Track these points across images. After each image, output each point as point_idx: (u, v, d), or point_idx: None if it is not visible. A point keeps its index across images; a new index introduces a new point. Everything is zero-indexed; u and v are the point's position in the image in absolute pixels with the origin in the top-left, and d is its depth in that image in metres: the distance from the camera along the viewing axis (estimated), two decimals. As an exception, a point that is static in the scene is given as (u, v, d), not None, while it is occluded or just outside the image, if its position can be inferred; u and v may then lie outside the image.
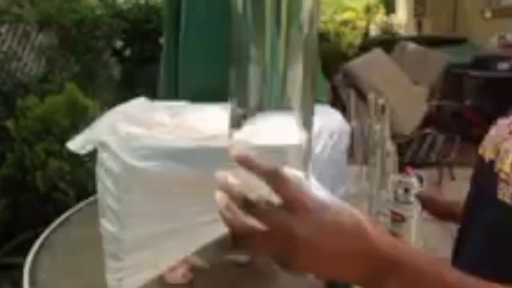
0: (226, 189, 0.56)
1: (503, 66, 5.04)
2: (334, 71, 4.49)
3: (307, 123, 0.59)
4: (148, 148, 1.04)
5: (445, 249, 0.86)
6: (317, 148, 1.12)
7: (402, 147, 3.18)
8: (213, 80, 1.75)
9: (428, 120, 4.13)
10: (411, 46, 4.95)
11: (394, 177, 1.26)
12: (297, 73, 0.58)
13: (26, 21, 3.85)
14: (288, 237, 0.53)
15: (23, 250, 1.50)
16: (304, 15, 0.57)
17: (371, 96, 1.57)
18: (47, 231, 1.61)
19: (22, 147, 2.97)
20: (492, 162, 0.69)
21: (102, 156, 1.09)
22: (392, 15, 7.41)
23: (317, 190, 0.57)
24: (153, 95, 1.70)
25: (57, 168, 2.87)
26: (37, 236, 1.58)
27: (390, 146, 1.44)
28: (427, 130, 4.06)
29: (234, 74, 0.60)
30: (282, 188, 0.54)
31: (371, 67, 4.01)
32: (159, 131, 1.10)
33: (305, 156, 0.59)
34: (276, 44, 0.57)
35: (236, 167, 0.56)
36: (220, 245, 1.05)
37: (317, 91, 0.62)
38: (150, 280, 1.10)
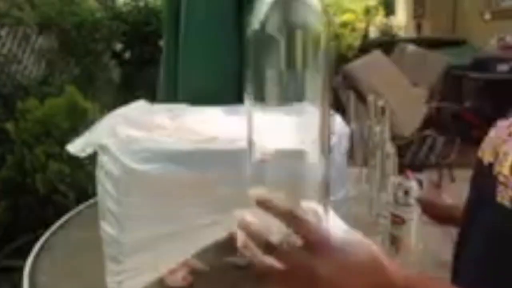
0: (244, 227, 0.58)
1: (503, 67, 5.04)
2: (333, 73, 4.48)
3: (324, 151, 0.60)
4: (148, 151, 1.04)
5: (445, 252, 0.86)
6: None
7: (402, 149, 3.18)
8: (213, 82, 1.76)
9: (427, 122, 4.12)
10: (411, 48, 4.95)
11: (394, 179, 1.27)
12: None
13: (26, 24, 3.85)
14: (310, 276, 0.55)
15: (23, 253, 1.50)
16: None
17: (370, 98, 1.56)
18: (47, 234, 1.61)
19: (22, 150, 2.97)
20: (491, 165, 0.69)
21: (102, 158, 1.09)
22: (391, 17, 7.41)
23: (334, 222, 0.59)
24: (152, 97, 1.71)
25: (57, 170, 2.87)
26: (37, 238, 1.58)
27: (390, 148, 1.44)
28: (427, 132, 4.06)
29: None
30: (302, 230, 0.56)
31: (370, 69, 4.01)
32: (158, 133, 1.10)
33: (324, 180, 0.60)
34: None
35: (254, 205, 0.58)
36: (220, 247, 1.05)
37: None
38: (150, 283, 1.10)
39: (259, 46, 0.58)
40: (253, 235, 0.57)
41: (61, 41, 4.16)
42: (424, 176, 1.19)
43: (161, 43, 2.23)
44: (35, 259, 1.44)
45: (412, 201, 1.13)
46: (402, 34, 7.18)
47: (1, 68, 3.68)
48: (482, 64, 5.13)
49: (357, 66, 4.09)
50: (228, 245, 1.06)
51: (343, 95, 4.03)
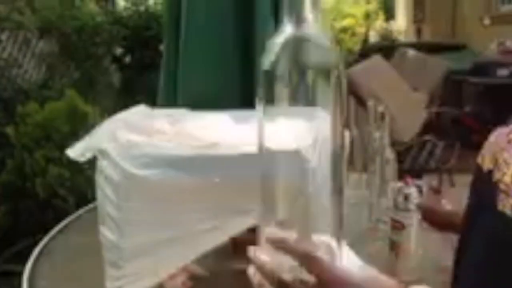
0: (259, 266, 0.59)
1: (503, 72, 5.05)
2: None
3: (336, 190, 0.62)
4: (148, 156, 1.04)
5: (446, 258, 0.86)
6: (314, 156, 1.12)
7: (401, 154, 3.18)
8: (213, 87, 1.76)
9: (427, 127, 4.12)
10: (411, 52, 4.95)
11: (394, 184, 1.27)
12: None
13: (27, 28, 3.86)
14: None
15: (23, 257, 1.50)
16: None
17: (370, 103, 1.56)
18: (46, 238, 1.60)
19: (22, 154, 2.97)
20: (490, 172, 0.69)
21: (102, 163, 1.08)
22: (391, 22, 7.43)
23: (349, 258, 0.60)
24: (153, 102, 1.71)
25: (57, 174, 2.87)
26: (36, 243, 1.57)
27: (389, 153, 1.44)
28: (427, 137, 4.06)
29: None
30: (315, 269, 0.57)
31: (370, 73, 4.01)
32: (159, 138, 1.10)
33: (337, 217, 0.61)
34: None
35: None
36: (220, 253, 1.05)
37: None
38: (150, 288, 1.10)
39: (271, 87, 0.59)
40: (267, 275, 0.58)
41: (61, 45, 4.17)
42: (423, 182, 1.19)
43: (162, 47, 2.23)
44: (35, 264, 1.44)
45: (412, 206, 1.13)
46: (402, 38, 7.20)
47: (2, 72, 3.69)
48: (482, 69, 5.14)
49: (357, 71, 4.09)
50: (228, 250, 1.05)
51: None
